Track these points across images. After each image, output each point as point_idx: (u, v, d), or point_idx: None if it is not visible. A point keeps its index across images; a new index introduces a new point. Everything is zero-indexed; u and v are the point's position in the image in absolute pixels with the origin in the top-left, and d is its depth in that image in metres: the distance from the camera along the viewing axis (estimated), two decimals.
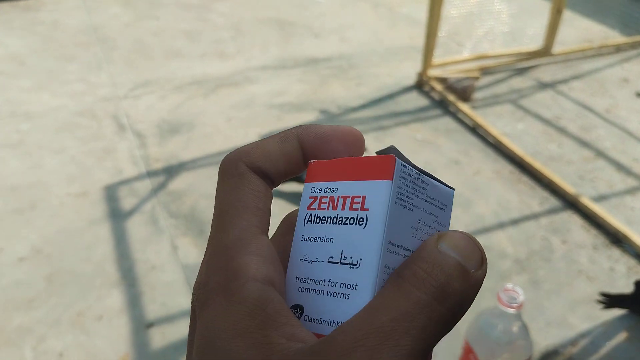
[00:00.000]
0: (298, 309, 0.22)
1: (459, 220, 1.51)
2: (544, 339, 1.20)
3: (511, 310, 0.91)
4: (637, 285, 1.28)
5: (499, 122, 1.97)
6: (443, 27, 2.18)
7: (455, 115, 2.02)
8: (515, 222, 1.53)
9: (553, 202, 1.61)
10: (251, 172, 0.23)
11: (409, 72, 2.27)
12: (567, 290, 1.33)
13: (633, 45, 2.62)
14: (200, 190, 1.61)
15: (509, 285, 0.93)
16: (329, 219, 0.22)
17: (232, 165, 0.23)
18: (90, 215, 1.50)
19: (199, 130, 1.89)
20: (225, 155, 0.24)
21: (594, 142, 1.91)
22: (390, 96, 2.14)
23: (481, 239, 1.45)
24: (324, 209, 0.22)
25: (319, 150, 0.24)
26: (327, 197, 0.22)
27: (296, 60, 2.41)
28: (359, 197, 0.21)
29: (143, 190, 1.60)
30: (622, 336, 1.22)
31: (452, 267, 0.20)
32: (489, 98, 2.15)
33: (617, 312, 1.27)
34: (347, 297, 0.20)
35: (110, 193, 1.59)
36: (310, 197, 0.23)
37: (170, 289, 1.30)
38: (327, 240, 0.22)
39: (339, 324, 0.20)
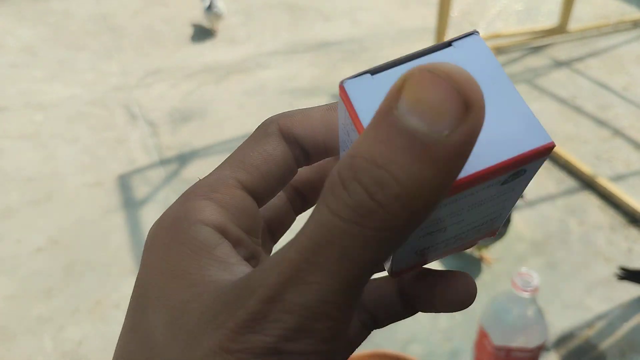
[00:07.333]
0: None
1: None
2: (560, 322, 1.19)
3: (526, 295, 0.91)
4: None
5: None
6: (455, 6, 2.15)
7: None
8: (531, 204, 1.51)
9: (569, 183, 1.59)
10: (279, 136, 0.20)
11: None
12: (584, 272, 1.31)
13: None
14: None
15: (524, 269, 0.92)
16: None
17: (266, 124, 0.21)
18: (105, 205, 1.51)
19: (211, 118, 1.89)
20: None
21: (611, 121, 1.87)
22: None
23: None
24: None
25: None
26: None
27: (307, 44, 2.40)
28: None
29: (156, 178, 1.61)
30: (639, 317, 1.21)
31: (398, 150, 0.13)
32: None
33: (634, 292, 1.25)
34: None
35: (124, 182, 1.60)
36: None
37: None
38: None
39: None
